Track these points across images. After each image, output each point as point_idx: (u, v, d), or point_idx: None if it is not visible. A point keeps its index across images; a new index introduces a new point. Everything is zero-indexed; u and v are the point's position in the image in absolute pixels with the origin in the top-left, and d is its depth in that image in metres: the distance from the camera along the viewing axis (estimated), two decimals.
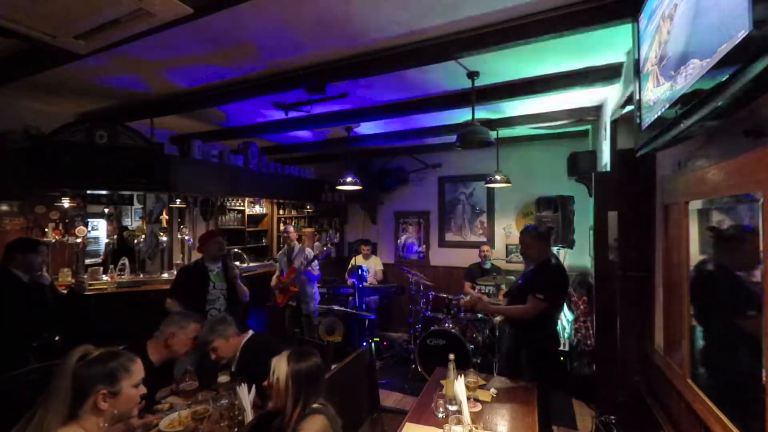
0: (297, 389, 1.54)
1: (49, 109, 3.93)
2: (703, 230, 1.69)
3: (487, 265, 5.00)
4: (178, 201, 5.17)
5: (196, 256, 3.86)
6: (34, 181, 3.49)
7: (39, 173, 3.48)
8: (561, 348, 4.22)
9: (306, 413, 1.51)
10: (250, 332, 2.43)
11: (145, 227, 5.45)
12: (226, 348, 2.29)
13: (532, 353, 2.91)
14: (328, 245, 5.51)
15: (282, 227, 7.42)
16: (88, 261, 5.00)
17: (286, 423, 1.54)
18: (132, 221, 6.36)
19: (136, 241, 5.09)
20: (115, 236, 5.33)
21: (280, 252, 4.80)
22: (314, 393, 1.58)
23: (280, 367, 1.57)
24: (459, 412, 1.93)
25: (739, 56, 0.91)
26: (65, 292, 3.27)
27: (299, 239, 5.00)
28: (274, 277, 4.68)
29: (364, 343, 4.41)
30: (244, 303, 3.45)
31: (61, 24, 2.00)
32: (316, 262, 4.56)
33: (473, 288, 4.84)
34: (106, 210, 5.77)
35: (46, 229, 4.22)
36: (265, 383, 1.64)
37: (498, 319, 3.17)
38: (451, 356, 2.25)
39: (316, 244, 6.12)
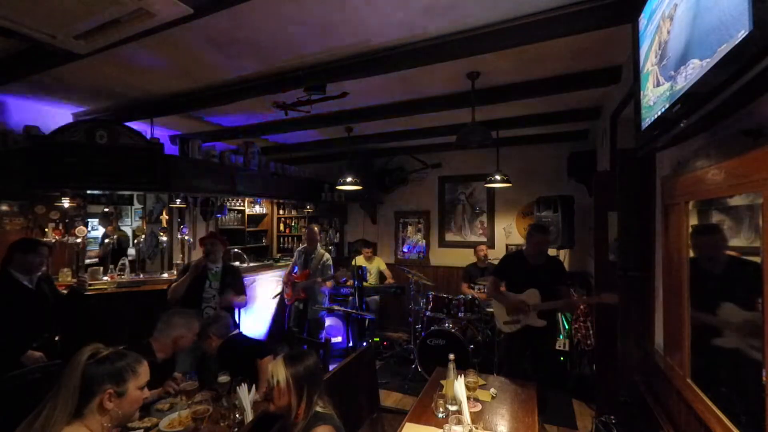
0: (299, 389, 1.57)
1: (49, 109, 3.93)
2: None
3: (485, 264, 5.00)
4: (178, 201, 5.16)
5: (196, 255, 3.87)
6: (34, 181, 3.49)
7: (39, 173, 3.48)
8: (560, 348, 4.24)
9: (313, 422, 1.52)
10: (232, 333, 2.62)
11: (145, 227, 5.45)
12: (210, 344, 2.55)
13: (552, 347, 3.07)
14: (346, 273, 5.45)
15: (282, 227, 7.46)
16: (87, 261, 5.00)
17: (293, 421, 1.56)
18: (132, 221, 6.36)
19: (136, 240, 5.09)
20: (106, 239, 5.22)
21: (299, 248, 4.71)
22: (316, 390, 1.61)
23: (279, 371, 1.59)
24: (459, 412, 1.93)
25: (739, 56, 0.91)
26: (65, 292, 3.27)
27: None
28: (286, 273, 4.65)
29: (364, 343, 4.41)
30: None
31: (61, 24, 2.00)
32: (331, 274, 4.55)
33: (471, 288, 4.83)
34: (106, 210, 5.78)
35: (46, 229, 4.21)
36: (264, 389, 1.66)
37: (511, 325, 3.13)
38: (451, 356, 2.25)
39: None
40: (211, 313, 3.19)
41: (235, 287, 3.42)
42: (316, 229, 4.67)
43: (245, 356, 2.45)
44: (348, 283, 5.52)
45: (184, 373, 2.26)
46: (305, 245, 4.63)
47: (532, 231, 3.17)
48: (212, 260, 3.33)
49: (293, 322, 4.60)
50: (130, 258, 5.10)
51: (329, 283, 4.53)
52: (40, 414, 1.22)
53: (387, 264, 5.97)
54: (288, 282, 4.57)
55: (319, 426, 1.50)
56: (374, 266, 5.77)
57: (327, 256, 4.58)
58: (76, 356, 1.33)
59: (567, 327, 4.45)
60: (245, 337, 2.69)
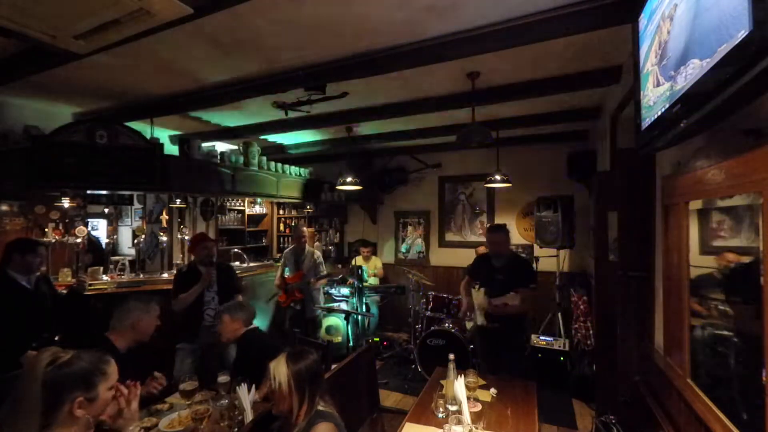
0: (301, 388, 1.56)
1: (49, 109, 3.93)
2: (703, 230, 1.69)
3: None
4: (178, 201, 5.16)
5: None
6: (34, 181, 3.49)
7: (39, 173, 3.47)
8: (561, 348, 4.23)
9: (314, 420, 1.52)
10: (253, 325, 2.63)
11: (145, 227, 5.45)
12: (228, 327, 2.52)
13: (520, 347, 3.15)
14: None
15: (282, 227, 7.45)
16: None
17: (293, 422, 1.55)
18: (132, 221, 6.37)
19: (136, 241, 5.07)
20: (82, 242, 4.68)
21: (287, 250, 4.66)
22: (317, 389, 1.60)
23: (280, 370, 1.57)
24: (459, 412, 1.93)
25: (739, 56, 0.91)
26: (65, 292, 3.27)
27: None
28: (278, 276, 4.60)
29: (364, 344, 4.40)
30: None
31: (61, 24, 2.00)
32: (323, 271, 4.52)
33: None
34: (106, 210, 5.77)
35: (46, 229, 4.21)
36: (266, 390, 1.65)
37: (480, 320, 3.17)
38: (451, 356, 2.25)
39: (317, 243, 6.11)
40: (232, 303, 3.12)
41: (235, 285, 3.42)
42: (303, 228, 4.62)
43: (260, 355, 2.38)
44: (349, 284, 5.52)
45: (178, 374, 2.22)
46: (293, 245, 4.57)
47: (486, 231, 3.22)
48: (210, 263, 3.28)
49: (291, 322, 4.59)
50: (131, 258, 5.09)
51: (324, 281, 4.51)
52: None
53: (387, 264, 5.98)
54: (281, 285, 4.51)
55: (320, 423, 1.50)
56: (371, 266, 5.78)
57: (317, 253, 4.54)
58: (34, 364, 1.22)
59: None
60: (264, 334, 2.70)
